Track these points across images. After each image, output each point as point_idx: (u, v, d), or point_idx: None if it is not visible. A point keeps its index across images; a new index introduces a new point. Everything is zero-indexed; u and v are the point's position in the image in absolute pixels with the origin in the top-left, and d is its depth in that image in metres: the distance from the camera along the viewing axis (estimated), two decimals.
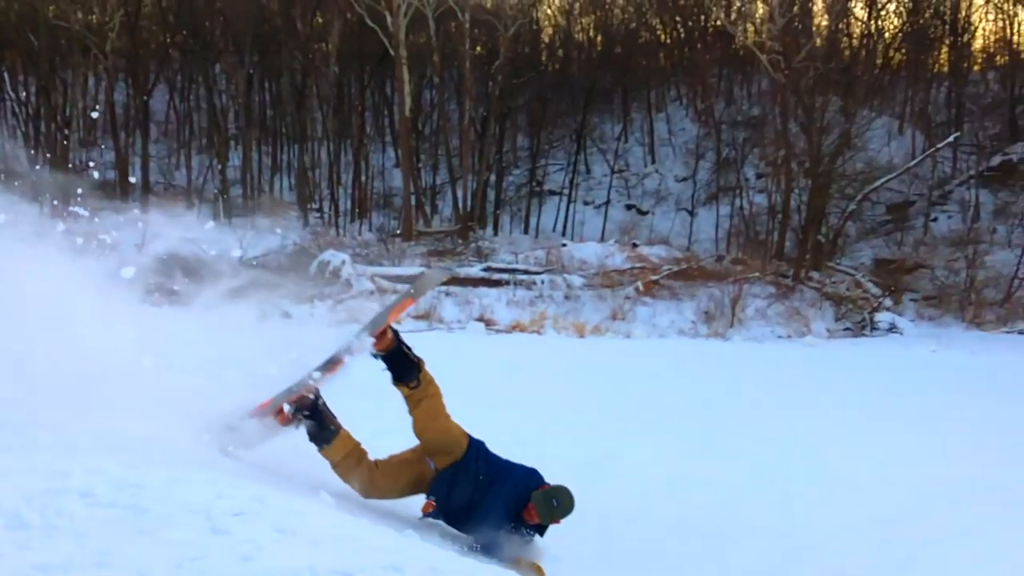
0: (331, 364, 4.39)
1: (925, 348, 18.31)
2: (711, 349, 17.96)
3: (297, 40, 31.39)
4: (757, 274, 23.04)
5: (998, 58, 35.79)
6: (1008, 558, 5.59)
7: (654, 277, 22.44)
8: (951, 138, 28.98)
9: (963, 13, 33.95)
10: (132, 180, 28.96)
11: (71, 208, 5.37)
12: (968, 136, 30.62)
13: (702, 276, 22.92)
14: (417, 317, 19.30)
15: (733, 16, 33.23)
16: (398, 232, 27.99)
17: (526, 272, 22.15)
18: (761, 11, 29.22)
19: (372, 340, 4.35)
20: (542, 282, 21.73)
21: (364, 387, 4.67)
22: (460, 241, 27.24)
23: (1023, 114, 31.56)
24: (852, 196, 26.58)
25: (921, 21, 33.54)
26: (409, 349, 4.48)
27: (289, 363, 4.55)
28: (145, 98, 31.32)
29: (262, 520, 2.69)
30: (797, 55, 25.49)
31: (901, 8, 33.25)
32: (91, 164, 27.55)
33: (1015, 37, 35.19)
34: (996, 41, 36.29)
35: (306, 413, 4.34)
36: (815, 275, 23.93)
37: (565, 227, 32.23)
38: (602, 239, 28.82)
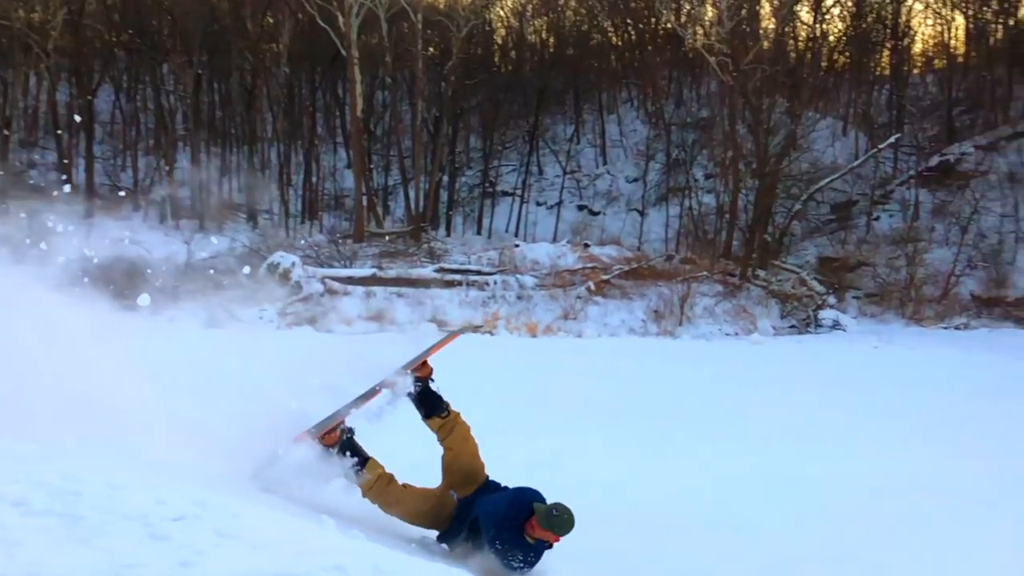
0: (368, 395, 4.79)
1: (867, 344, 18.80)
2: (661, 347, 18.23)
3: (247, 40, 30.97)
4: (705, 273, 23.40)
5: (936, 62, 36.87)
6: (950, 549, 5.80)
7: (605, 277, 22.66)
8: (892, 139, 29.78)
9: (903, 18, 34.93)
10: (75, 182, 28.26)
11: (10, 211, 5.27)
12: (908, 137, 31.49)
13: (652, 276, 23.21)
14: (368, 318, 19.22)
15: (683, 19, 33.63)
16: (349, 233, 27.79)
17: (479, 273, 22.18)
18: (710, 14, 29.65)
19: (413, 374, 4.83)
20: (495, 282, 21.79)
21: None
22: (412, 242, 27.15)
23: (960, 116, 32.56)
24: (798, 196, 27.16)
25: (864, 25, 34.42)
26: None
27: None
28: (89, 98, 30.59)
29: (203, 525, 2.68)
30: (745, 58, 25.94)
31: (845, 12, 34.09)
32: (32, 165, 26.88)
33: (952, 41, 36.31)
34: (934, 45, 37.41)
35: (349, 434, 4.74)
36: (762, 274, 24.40)
37: (518, 228, 32.35)
38: (554, 239, 28.99)
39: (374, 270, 21.54)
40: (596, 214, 33.32)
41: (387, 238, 27.58)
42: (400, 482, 4.81)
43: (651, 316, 21.21)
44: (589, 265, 23.62)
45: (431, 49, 33.26)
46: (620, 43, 39.66)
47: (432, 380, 4.92)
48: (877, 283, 24.42)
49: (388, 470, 4.81)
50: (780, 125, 26.92)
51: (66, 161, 28.81)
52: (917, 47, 37.06)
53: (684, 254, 26.50)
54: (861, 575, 5.36)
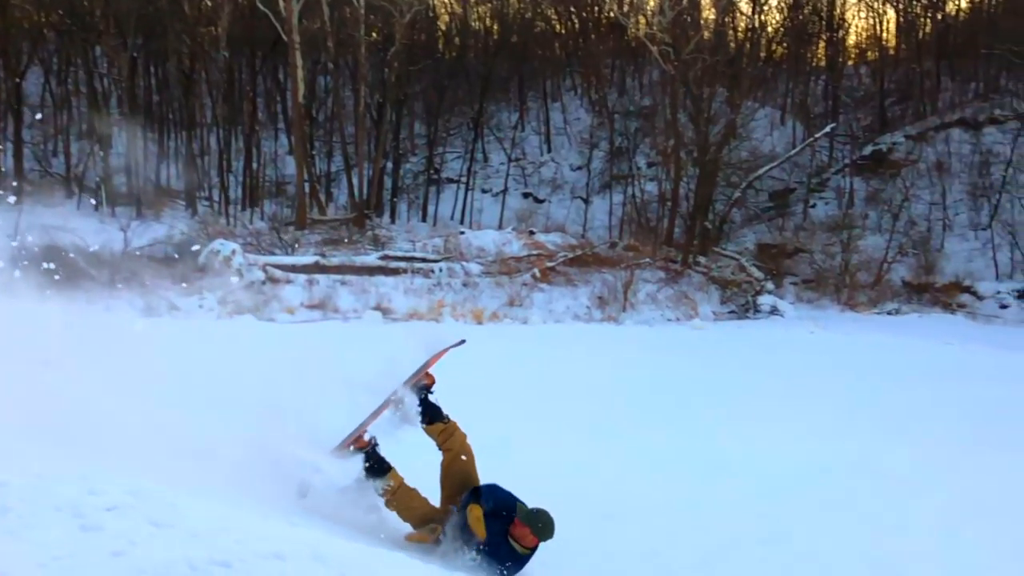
0: (380, 410, 5.07)
1: (804, 330, 19.29)
2: (604, 333, 18.42)
3: (184, 23, 30.15)
4: (648, 260, 23.71)
5: (869, 53, 37.93)
6: (874, 527, 6.05)
7: (550, 264, 22.78)
8: (827, 128, 30.55)
9: (838, 10, 35.85)
10: (3, 167, 27.26)
11: None
12: (843, 127, 32.35)
13: (596, 262, 23.42)
14: (311, 306, 19.01)
15: (625, 8, 33.94)
16: (291, 221, 27.37)
17: (424, 260, 22.09)
18: (652, 4, 29.94)
19: (422, 382, 5.16)
20: (440, 270, 21.73)
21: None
22: (356, 229, 26.88)
23: (892, 107, 33.53)
24: (737, 184, 27.67)
25: (801, 17, 35.22)
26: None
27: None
28: (17, 80, 29.46)
29: (137, 514, 2.65)
30: (686, 47, 26.27)
31: (782, 4, 34.77)
32: None
33: (884, 34, 37.38)
34: (868, 37, 38.47)
35: (374, 444, 5.06)
36: (702, 260, 24.81)
37: (463, 215, 32.29)
38: (500, 227, 29.02)
39: (317, 258, 21.28)
40: (541, 201, 33.45)
41: (330, 225, 27.26)
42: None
43: (595, 302, 21.41)
44: (534, 252, 23.72)
45: (374, 34, 32.82)
46: (564, 31, 39.85)
47: (432, 391, 5.20)
48: (813, 269, 25.04)
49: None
50: (720, 114, 27.33)
51: None
52: (851, 39, 38.09)
53: (627, 241, 26.76)
54: (797, 554, 5.52)
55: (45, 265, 5.47)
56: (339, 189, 33.29)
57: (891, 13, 36.75)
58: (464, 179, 33.28)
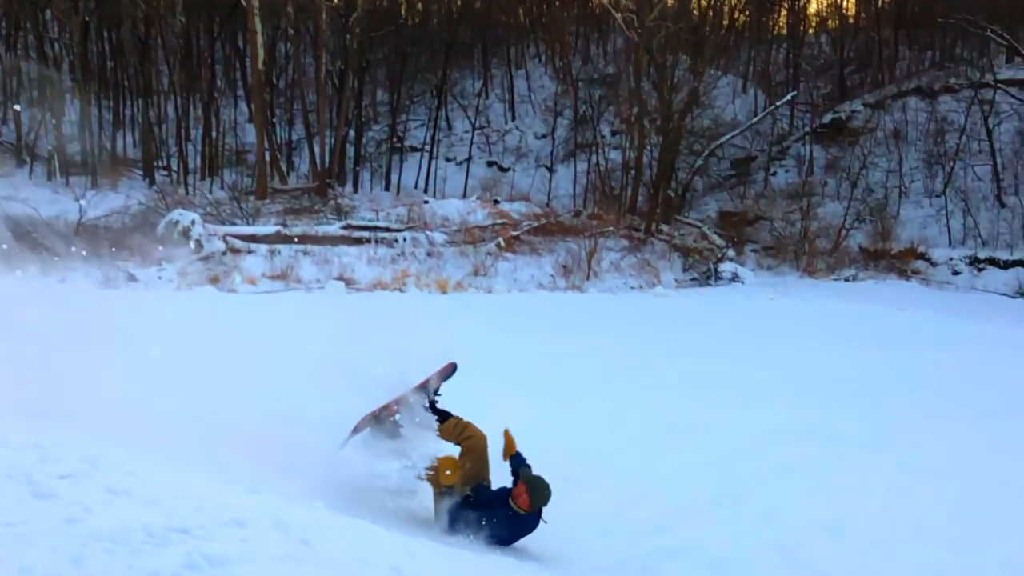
0: (382, 410, 5.22)
1: (764, 296, 19.57)
2: (568, 302, 18.52)
3: None
4: (612, 228, 23.83)
5: (830, 22, 38.17)
6: (829, 488, 6.21)
7: (515, 233, 22.79)
8: (788, 96, 30.78)
9: None
10: None
11: None
12: (804, 95, 32.57)
13: (560, 231, 23.49)
14: (273, 277, 18.84)
15: None
16: (252, 190, 26.97)
17: (387, 230, 21.94)
18: None
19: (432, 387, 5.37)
20: (404, 239, 21.63)
21: None
22: (318, 198, 26.58)
23: (851, 75, 33.84)
24: (699, 152, 27.83)
25: None
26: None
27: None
28: None
29: (92, 482, 2.64)
30: (650, 14, 26.19)
31: None
32: None
33: (844, 3, 37.60)
34: (828, 5, 38.69)
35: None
36: (665, 228, 25.00)
37: (427, 184, 32.03)
38: (464, 196, 28.90)
39: (278, 227, 21.04)
40: (505, 170, 33.32)
41: (292, 195, 26.93)
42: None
43: (559, 271, 21.51)
44: (499, 221, 23.70)
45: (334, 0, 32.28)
46: None
47: (438, 397, 5.38)
48: (774, 236, 25.36)
49: None
50: (683, 82, 27.39)
51: None
52: (812, 7, 38.28)
53: (591, 210, 26.86)
54: (755, 515, 5.63)
55: None
56: (300, 158, 32.84)
57: None
58: (428, 147, 32.98)
